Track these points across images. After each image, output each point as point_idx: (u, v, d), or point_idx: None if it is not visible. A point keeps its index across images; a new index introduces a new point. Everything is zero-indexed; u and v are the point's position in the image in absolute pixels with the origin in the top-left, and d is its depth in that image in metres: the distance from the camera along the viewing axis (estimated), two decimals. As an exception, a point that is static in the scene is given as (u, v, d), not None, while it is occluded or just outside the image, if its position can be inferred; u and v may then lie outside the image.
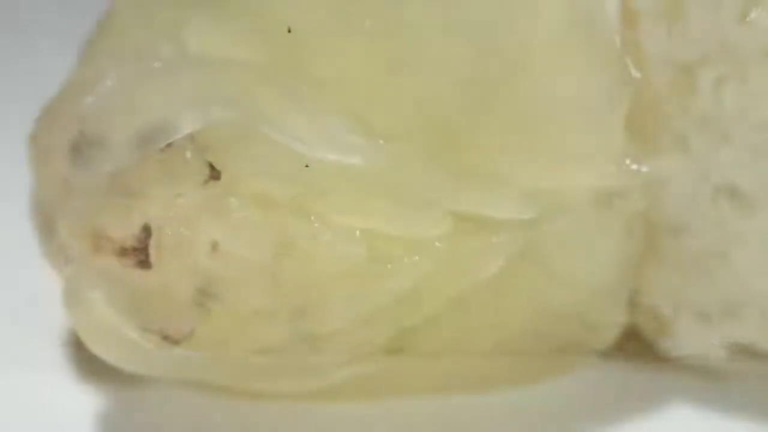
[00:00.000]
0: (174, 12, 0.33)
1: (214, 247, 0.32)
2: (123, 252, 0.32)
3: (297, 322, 0.33)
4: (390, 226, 0.32)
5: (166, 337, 0.33)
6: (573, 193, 0.33)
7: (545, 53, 0.32)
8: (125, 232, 0.31)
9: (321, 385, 0.35)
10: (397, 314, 0.33)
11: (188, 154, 0.31)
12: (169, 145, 0.31)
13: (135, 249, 0.32)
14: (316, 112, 0.31)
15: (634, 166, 0.33)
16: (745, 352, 0.37)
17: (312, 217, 0.32)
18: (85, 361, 0.37)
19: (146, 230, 0.31)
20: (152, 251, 0.31)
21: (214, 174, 0.31)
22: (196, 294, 0.32)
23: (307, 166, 0.31)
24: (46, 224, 0.34)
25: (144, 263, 0.32)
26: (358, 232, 0.32)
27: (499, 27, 0.32)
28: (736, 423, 0.36)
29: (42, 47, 0.60)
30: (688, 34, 0.33)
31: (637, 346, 0.38)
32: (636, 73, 0.34)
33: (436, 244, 0.32)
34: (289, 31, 0.31)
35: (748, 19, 0.33)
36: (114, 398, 0.37)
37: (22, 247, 0.37)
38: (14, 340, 0.40)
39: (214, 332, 0.33)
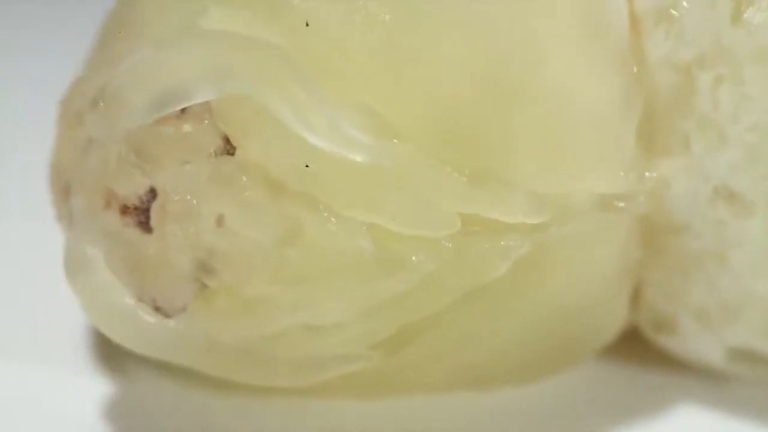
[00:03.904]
0: (191, 3, 0.33)
1: (219, 221, 0.31)
2: (125, 210, 0.31)
3: (297, 311, 0.32)
4: (397, 223, 0.31)
5: (158, 309, 0.32)
6: (580, 198, 0.33)
7: (561, 57, 0.32)
8: (130, 190, 0.31)
9: (317, 380, 0.34)
10: (400, 311, 0.33)
11: (204, 123, 0.31)
12: (184, 111, 0.31)
13: (137, 208, 0.31)
14: (328, 105, 0.31)
15: (643, 173, 0.33)
16: (745, 357, 0.36)
17: (321, 207, 0.31)
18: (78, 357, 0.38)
19: (152, 192, 0.31)
20: (154, 214, 0.31)
21: (230, 149, 0.31)
22: (194, 267, 0.32)
23: (307, 166, 0.31)
24: (62, 188, 0.34)
25: (144, 225, 0.31)
26: (365, 227, 0.31)
27: (516, 29, 0.32)
28: (737, 424, 0.35)
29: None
30: (684, 36, 0.33)
31: (637, 346, 0.38)
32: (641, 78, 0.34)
33: (444, 243, 0.32)
34: (307, 25, 0.31)
35: (741, 19, 0.32)
36: (110, 395, 0.37)
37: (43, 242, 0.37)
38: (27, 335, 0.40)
39: (212, 312, 0.33)
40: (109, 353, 0.39)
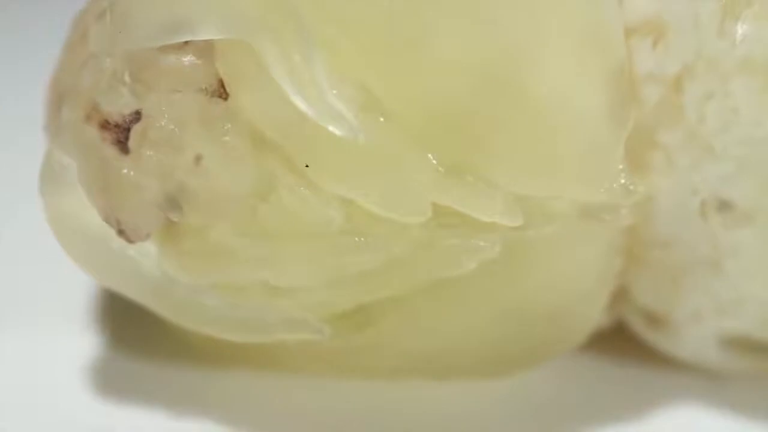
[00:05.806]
0: None
1: (197, 160, 0.31)
2: (105, 126, 0.31)
3: (259, 268, 0.33)
4: (367, 199, 0.31)
5: (121, 232, 0.32)
6: (563, 205, 0.32)
7: (559, 64, 0.32)
8: (115, 108, 0.31)
9: (261, 340, 0.34)
10: (360, 288, 0.33)
11: (203, 60, 0.31)
12: (187, 44, 0.31)
13: (117, 126, 0.31)
14: (319, 73, 0.31)
15: (628, 186, 0.32)
16: (739, 345, 0.36)
17: (299, 172, 0.31)
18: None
19: (136, 115, 0.31)
20: (134, 135, 0.31)
21: (222, 94, 0.31)
22: (163, 198, 0.32)
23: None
24: (56, 99, 0.34)
25: (122, 145, 0.31)
26: (337, 199, 0.32)
27: (519, 30, 0.31)
28: (730, 421, 0.35)
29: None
30: (670, 50, 0.33)
31: (626, 341, 0.37)
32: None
33: (415, 230, 0.32)
34: None
35: (726, 31, 0.32)
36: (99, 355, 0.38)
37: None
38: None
39: (175, 249, 0.33)
40: (101, 314, 0.40)
